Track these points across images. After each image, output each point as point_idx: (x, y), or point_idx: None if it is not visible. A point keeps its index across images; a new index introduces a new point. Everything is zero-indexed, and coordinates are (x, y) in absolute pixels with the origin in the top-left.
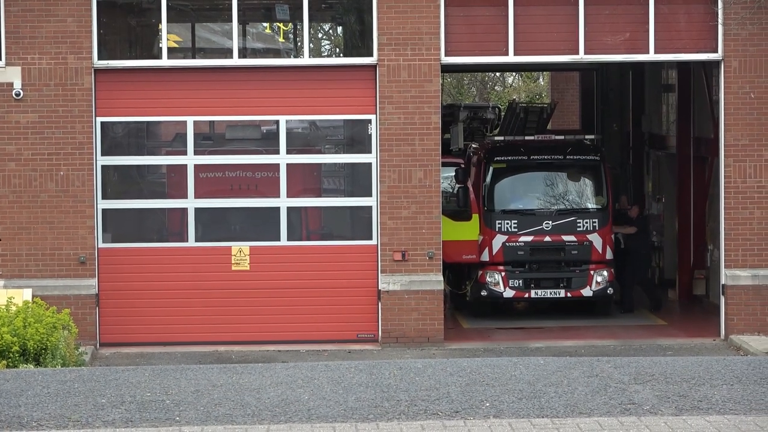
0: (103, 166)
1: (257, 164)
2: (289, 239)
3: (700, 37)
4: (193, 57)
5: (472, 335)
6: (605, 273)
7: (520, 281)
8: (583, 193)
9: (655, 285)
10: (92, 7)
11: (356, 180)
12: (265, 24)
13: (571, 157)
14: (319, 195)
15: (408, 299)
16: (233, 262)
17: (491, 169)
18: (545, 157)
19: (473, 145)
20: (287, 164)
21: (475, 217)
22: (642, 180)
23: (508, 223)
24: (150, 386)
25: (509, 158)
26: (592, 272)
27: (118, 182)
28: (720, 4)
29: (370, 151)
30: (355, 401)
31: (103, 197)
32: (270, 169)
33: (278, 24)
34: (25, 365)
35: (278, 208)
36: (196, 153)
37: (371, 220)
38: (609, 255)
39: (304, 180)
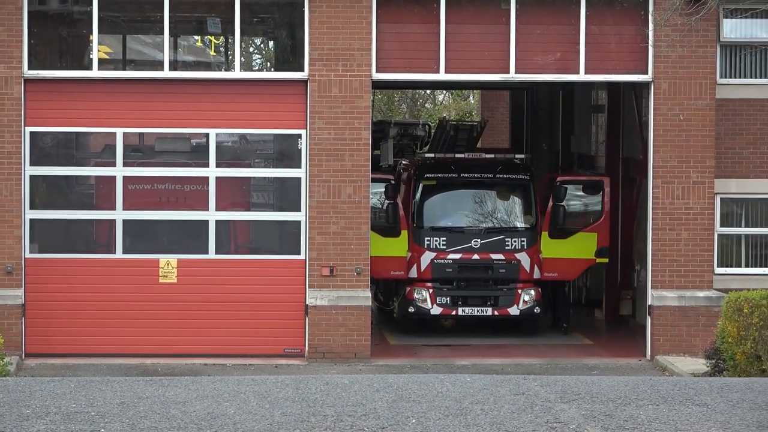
0: (31, 176)
1: (186, 177)
2: (217, 252)
3: (630, 59)
4: (124, 68)
5: (399, 352)
6: (532, 292)
7: (448, 298)
8: (512, 211)
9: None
10: (23, 17)
11: (285, 194)
12: (196, 37)
13: (501, 175)
14: (248, 209)
15: (335, 314)
16: (161, 274)
17: (421, 185)
18: (475, 175)
19: (403, 162)
20: (216, 177)
21: (404, 233)
22: None
23: (436, 240)
24: (75, 398)
25: (439, 175)
26: (519, 291)
27: (47, 192)
28: (650, 26)
29: (299, 166)
30: (282, 416)
31: (31, 207)
32: (199, 182)
33: (210, 37)
34: None
35: (207, 221)
36: (125, 164)
37: (300, 234)
38: (537, 274)
39: (233, 193)
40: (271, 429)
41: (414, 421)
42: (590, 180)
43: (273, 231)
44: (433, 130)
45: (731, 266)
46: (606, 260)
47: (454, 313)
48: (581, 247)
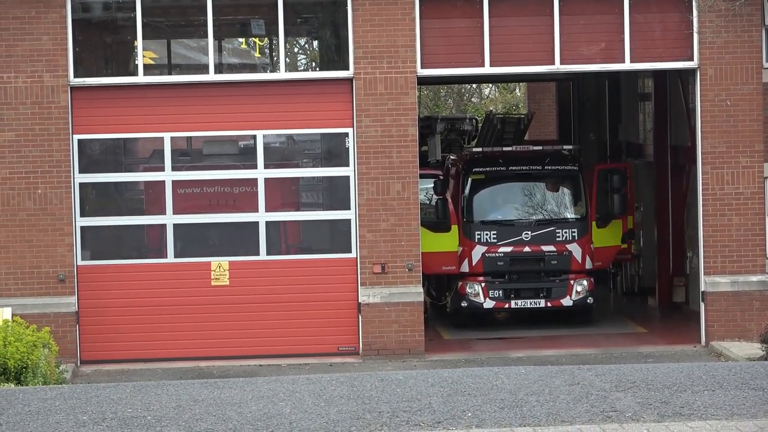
0: (81, 184)
1: (235, 179)
2: (268, 253)
3: (675, 46)
4: (169, 73)
5: (453, 346)
6: (585, 282)
7: (500, 292)
8: (562, 203)
9: None
10: (67, 25)
11: (334, 193)
12: (240, 39)
13: (550, 167)
14: (297, 209)
15: (388, 311)
16: (213, 277)
17: (470, 180)
18: (523, 167)
19: (451, 157)
20: (265, 179)
21: (455, 228)
22: None
23: (487, 234)
24: (131, 402)
25: (488, 169)
26: (572, 282)
27: (96, 199)
28: (695, 13)
29: (347, 164)
30: (337, 414)
31: (82, 215)
32: (248, 183)
33: (254, 39)
34: (5, 384)
35: (257, 223)
36: (173, 169)
37: (350, 233)
38: (588, 264)
39: (283, 194)
40: (327, 427)
41: (470, 414)
42: (613, 168)
43: (323, 230)
44: (480, 124)
45: None
46: (626, 246)
47: (507, 306)
48: (613, 233)
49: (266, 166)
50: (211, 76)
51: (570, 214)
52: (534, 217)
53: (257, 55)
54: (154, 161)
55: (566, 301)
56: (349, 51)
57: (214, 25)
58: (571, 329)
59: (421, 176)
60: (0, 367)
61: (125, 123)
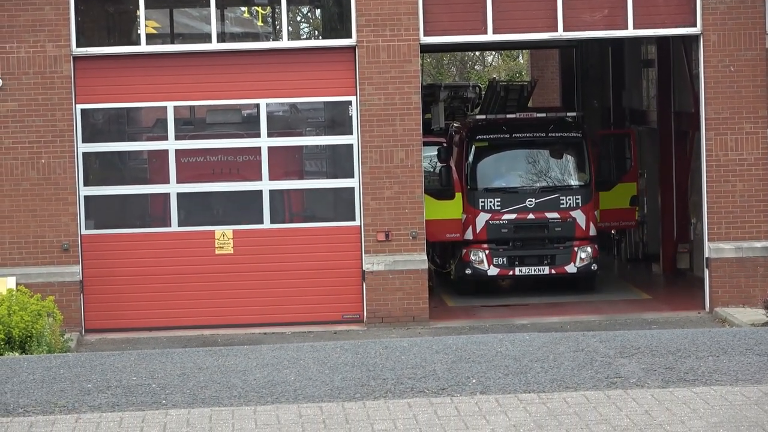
0: (84, 153)
1: (238, 148)
2: (272, 222)
3: (678, 12)
4: (172, 42)
5: (457, 313)
6: (589, 249)
7: (504, 259)
8: (566, 170)
9: None
10: None
11: (338, 161)
12: (243, 8)
13: (554, 134)
14: (301, 177)
15: (392, 279)
16: (217, 245)
17: (473, 147)
18: (527, 134)
19: (455, 125)
20: (269, 147)
21: (458, 195)
22: None
23: (491, 202)
24: (136, 371)
25: (491, 137)
26: (576, 249)
27: (100, 169)
28: None
29: (351, 133)
30: (342, 381)
31: (85, 184)
32: (251, 152)
33: (256, 8)
34: (10, 353)
35: (260, 191)
36: (177, 138)
37: (354, 201)
38: (593, 231)
39: (286, 163)
40: (331, 394)
41: (474, 381)
42: (618, 133)
43: (327, 198)
44: (483, 92)
45: None
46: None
47: (511, 273)
48: (621, 197)
49: (269, 135)
50: (214, 45)
51: (574, 181)
52: (538, 184)
53: (260, 23)
54: (158, 130)
55: (570, 268)
56: (352, 19)
57: None
58: (575, 296)
59: (425, 144)
60: (5, 335)
61: (128, 92)
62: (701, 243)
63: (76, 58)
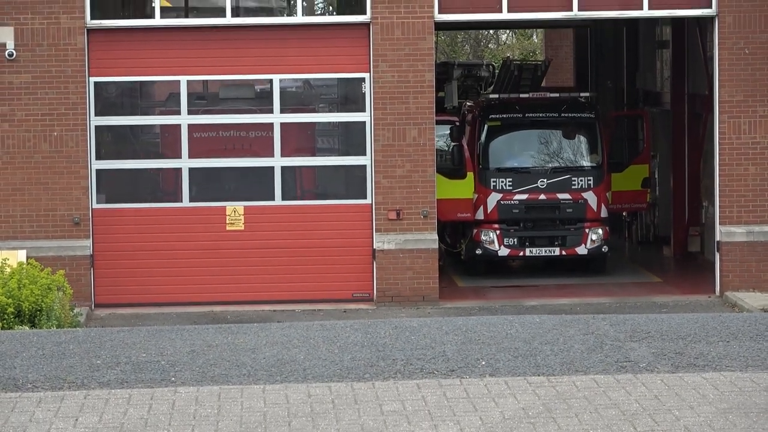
0: (96, 127)
1: (251, 123)
2: (283, 199)
3: None
4: (186, 16)
5: (467, 294)
6: (600, 231)
7: (515, 239)
8: (578, 150)
9: None
10: None
11: (350, 139)
12: None
13: (566, 114)
14: (313, 154)
15: (403, 258)
16: (228, 221)
17: (486, 127)
18: (540, 114)
19: (468, 103)
20: (281, 123)
21: (470, 175)
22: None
23: (503, 182)
24: (145, 347)
25: (504, 116)
26: (587, 230)
27: (112, 142)
28: None
29: (364, 110)
30: (351, 361)
31: (97, 158)
32: (264, 128)
33: None
34: (20, 327)
35: (272, 168)
36: (189, 113)
37: (365, 179)
38: (604, 213)
39: (298, 139)
40: (340, 374)
41: (483, 363)
42: (631, 114)
43: (339, 176)
44: (497, 71)
45: None
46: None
47: (521, 254)
48: (633, 179)
49: (282, 111)
50: (228, 20)
51: (586, 162)
52: (550, 165)
53: None
54: (170, 104)
55: (581, 250)
56: None
57: None
58: (585, 278)
59: (438, 122)
60: (15, 309)
61: (142, 66)
62: (712, 226)
63: (90, 31)
